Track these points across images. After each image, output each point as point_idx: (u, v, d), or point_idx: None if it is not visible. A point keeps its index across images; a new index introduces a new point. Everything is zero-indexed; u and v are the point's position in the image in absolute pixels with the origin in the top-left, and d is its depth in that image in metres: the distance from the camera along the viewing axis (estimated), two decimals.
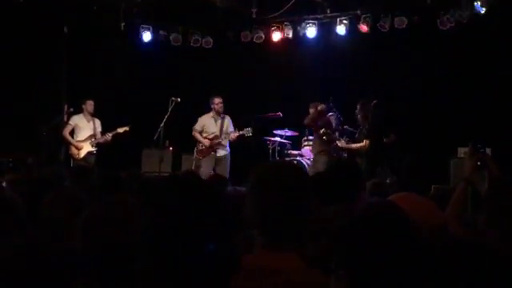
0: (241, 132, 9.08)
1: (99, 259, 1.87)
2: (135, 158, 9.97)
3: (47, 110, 9.45)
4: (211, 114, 9.28)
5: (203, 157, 9.15)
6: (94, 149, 9.25)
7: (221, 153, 9.20)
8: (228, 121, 9.31)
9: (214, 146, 9.15)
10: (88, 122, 9.34)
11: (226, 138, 9.17)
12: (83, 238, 1.92)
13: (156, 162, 9.18)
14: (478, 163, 3.47)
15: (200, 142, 9.21)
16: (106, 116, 9.55)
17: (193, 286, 1.20)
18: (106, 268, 1.85)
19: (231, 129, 9.27)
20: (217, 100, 9.19)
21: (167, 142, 9.80)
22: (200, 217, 1.30)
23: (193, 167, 9.06)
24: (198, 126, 9.28)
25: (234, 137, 9.13)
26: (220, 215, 1.32)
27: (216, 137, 9.17)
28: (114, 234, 1.88)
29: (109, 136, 9.29)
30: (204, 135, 9.22)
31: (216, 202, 1.33)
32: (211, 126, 9.26)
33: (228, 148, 9.28)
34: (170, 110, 8.87)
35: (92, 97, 9.40)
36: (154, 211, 1.22)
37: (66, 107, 9.68)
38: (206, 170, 8.66)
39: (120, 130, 9.33)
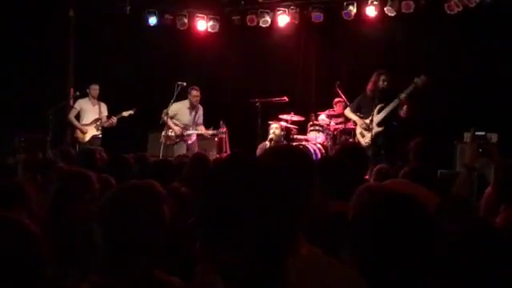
0: (215, 132, 9.12)
1: (118, 243, 1.87)
2: (140, 142, 9.98)
3: (53, 94, 9.46)
4: (187, 103, 9.15)
5: (171, 144, 9.07)
6: (99, 132, 9.28)
7: (188, 141, 9.18)
8: (200, 111, 9.27)
9: (185, 136, 9.11)
10: (93, 105, 9.36)
11: (194, 130, 9.17)
12: (102, 222, 1.90)
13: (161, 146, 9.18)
14: (480, 150, 3.47)
15: (170, 128, 9.08)
16: (112, 100, 9.56)
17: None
18: (124, 254, 1.86)
19: (201, 120, 9.26)
20: (194, 92, 9.06)
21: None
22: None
23: (161, 153, 8.86)
24: (170, 111, 9.04)
25: (206, 134, 9.15)
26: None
27: (187, 126, 9.14)
28: (134, 219, 1.88)
29: (114, 120, 9.31)
30: (174, 122, 9.14)
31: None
32: (185, 116, 9.17)
33: (194, 137, 9.22)
34: (175, 94, 8.86)
35: (98, 81, 9.41)
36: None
37: (71, 91, 9.69)
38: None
39: (125, 114, 9.35)
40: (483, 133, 6.36)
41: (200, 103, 9.24)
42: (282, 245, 1.23)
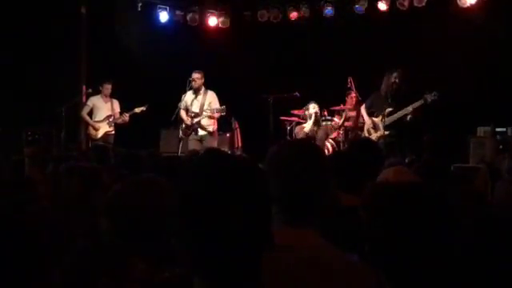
0: (218, 109, 8.51)
1: (122, 233, 1.88)
2: (153, 138, 10.02)
3: (66, 91, 9.51)
4: (192, 90, 8.73)
5: (186, 136, 8.74)
6: (111, 129, 9.32)
7: (200, 132, 8.66)
8: (211, 97, 8.67)
9: (194, 125, 8.63)
10: (106, 102, 9.39)
11: (206, 117, 8.56)
12: (108, 215, 1.93)
13: (174, 143, 9.20)
14: (500, 147, 3.45)
15: (182, 121, 8.76)
16: (124, 96, 9.60)
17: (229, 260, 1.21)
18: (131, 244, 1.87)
19: (216, 105, 8.59)
20: (193, 75, 8.62)
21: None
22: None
23: (180, 147, 8.71)
24: (181, 105, 8.75)
25: (211, 114, 8.54)
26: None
27: (196, 115, 8.65)
28: (141, 211, 1.90)
29: (126, 116, 9.34)
30: (189, 114, 8.72)
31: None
32: (193, 104, 8.71)
33: (210, 128, 8.65)
34: (187, 90, 8.87)
35: (109, 77, 9.44)
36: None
37: (84, 88, 9.74)
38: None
39: (137, 111, 9.38)
40: (504, 129, 6.28)
41: (212, 89, 8.85)
42: (257, 242, 1.23)
